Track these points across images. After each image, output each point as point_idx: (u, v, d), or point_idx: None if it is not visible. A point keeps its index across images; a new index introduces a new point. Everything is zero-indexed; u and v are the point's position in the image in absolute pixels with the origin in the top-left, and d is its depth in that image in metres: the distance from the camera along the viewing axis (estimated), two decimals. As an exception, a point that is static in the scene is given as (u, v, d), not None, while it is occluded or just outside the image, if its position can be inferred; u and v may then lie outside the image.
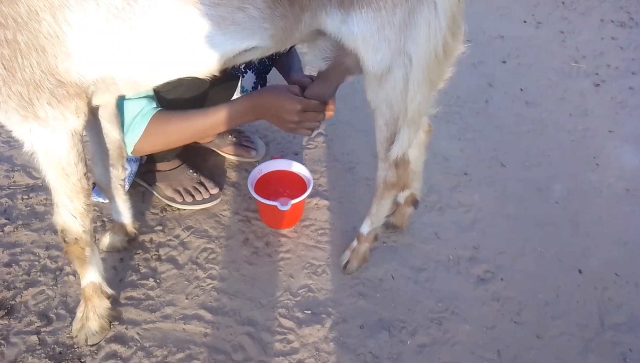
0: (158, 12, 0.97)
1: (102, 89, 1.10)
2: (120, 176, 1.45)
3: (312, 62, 1.41)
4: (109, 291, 1.35)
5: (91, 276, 1.30)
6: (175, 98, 1.44)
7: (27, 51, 0.94)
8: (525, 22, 3.21)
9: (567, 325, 1.48)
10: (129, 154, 1.42)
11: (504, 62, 2.75)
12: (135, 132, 1.37)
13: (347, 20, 1.10)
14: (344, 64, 1.33)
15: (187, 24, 1.00)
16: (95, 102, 1.15)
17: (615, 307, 1.53)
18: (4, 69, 0.94)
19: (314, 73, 1.47)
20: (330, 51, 1.30)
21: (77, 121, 1.07)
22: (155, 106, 1.40)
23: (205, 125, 1.41)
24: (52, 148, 1.07)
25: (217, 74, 1.17)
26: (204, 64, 1.12)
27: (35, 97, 0.99)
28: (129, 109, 1.37)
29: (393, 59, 1.14)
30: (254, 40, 1.10)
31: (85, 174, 1.15)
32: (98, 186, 1.47)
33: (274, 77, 1.87)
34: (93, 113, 1.27)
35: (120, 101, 1.36)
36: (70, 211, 1.17)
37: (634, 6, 3.49)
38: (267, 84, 1.90)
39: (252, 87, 1.82)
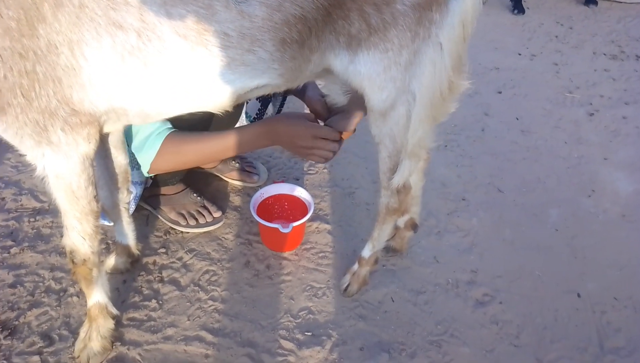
0: (171, 52, 1.01)
1: (114, 118, 1.14)
2: (125, 199, 1.49)
3: (334, 96, 1.41)
4: (114, 311, 1.37)
5: (97, 296, 1.32)
6: (181, 120, 1.48)
7: (44, 81, 0.98)
8: (519, 54, 3.32)
9: (566, 348, 1.48)
10: (145, 173, 1.46)
11: (500, 92, 2.83)
12: (150, 151, 1.41)
13: (355, 60, 1.14)
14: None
15: (198, 64, 1.05)
16: (106, 130, 1.19)
17: (614, 331, 1.54)
18: (23, 97, 0.99)
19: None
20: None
21: (88, 147, 1.11)
22: (170, 126, 1.45)
23: (219, 147, 1.44)
24: (64, 172, 1.10)
25: (228, 109, 1.20)
26: (214, 100, 1.15)
27: (49, 124, 1.03)
28: (144, 128, 1.41)
29: (397, 97, 1.18)
30: (263, 79, 1.13)
31: (95, 197, 1.18)
32: (103, 209, 1.50)
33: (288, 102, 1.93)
34: (102, 139, 1.32)
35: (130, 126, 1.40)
36: (79, 233, 1.20)
37: (625, 40, 3.61)
38: (283, 106, 1.95)
39: (256, 114, 1.88)
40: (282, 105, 1.89)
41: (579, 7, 4.23)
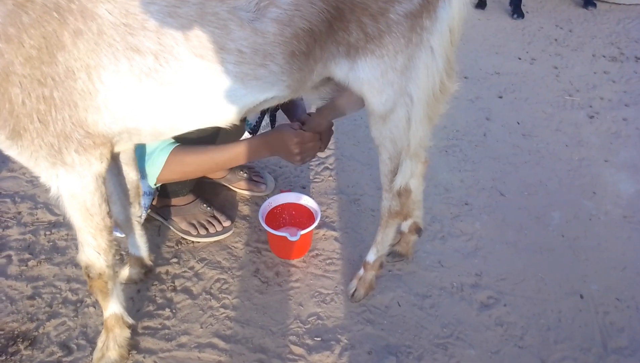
0: (188, 72, 1.06)
1: (126, 138, 1.18)
2: (137, 213, 1.54)
3: (311, 101, 1.57)
4: (130, 320, 1.41)
5: (113, 307, 1.36)
6: (189, 135, 1.54)
7: (61, 106, 1.02)
8: (519, 58, 3.36)
9: (570, 349, 1.51)
10: (151, 185, 1.52)
11: (500, 97, 2.87)
12: (156, 165, 1.49)
13: (354, 67, 1.21)
14: (336, 105, 1.48)
15: (213, 81, 1.09)
16: (117, 149, 1.23)
17: (617, 331, 1.57)
18: (39, 122, 1.02)
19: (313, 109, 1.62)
20: (327, 93, 1.43)
21: (101, 166, 1.14)
22: (174, 141, 1.52)
23: (222, 158, 1.53)
24: (78, 191, 1.14)
25: (236, 123, 1.25)
26: (225, 115, 1.20)
27: (64, 147, 1.06)
28: (150, 144, 1.48)
29: (396, 100, 1.25)
30: (272, 92, 1.19)
31: (108, 213, 1.22)
32: (116, 223, 1.55)
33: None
34: (114, 157, 1.36)
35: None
36: (94, 249, 1.24)
37: (624, 41, 3.64)
38: (275, 119, 2.02)
39: (256, 121, 1.93)
40: (274, 118, 1.96)
41: (578, 10, 4.27)
